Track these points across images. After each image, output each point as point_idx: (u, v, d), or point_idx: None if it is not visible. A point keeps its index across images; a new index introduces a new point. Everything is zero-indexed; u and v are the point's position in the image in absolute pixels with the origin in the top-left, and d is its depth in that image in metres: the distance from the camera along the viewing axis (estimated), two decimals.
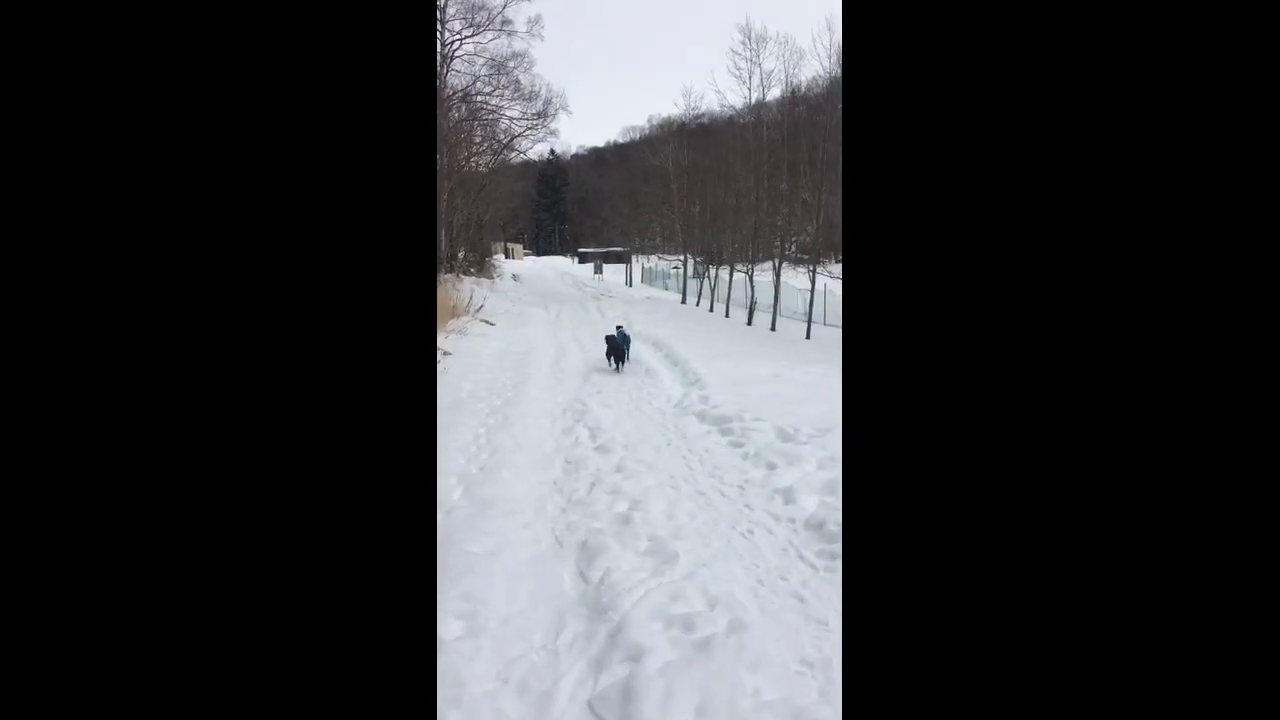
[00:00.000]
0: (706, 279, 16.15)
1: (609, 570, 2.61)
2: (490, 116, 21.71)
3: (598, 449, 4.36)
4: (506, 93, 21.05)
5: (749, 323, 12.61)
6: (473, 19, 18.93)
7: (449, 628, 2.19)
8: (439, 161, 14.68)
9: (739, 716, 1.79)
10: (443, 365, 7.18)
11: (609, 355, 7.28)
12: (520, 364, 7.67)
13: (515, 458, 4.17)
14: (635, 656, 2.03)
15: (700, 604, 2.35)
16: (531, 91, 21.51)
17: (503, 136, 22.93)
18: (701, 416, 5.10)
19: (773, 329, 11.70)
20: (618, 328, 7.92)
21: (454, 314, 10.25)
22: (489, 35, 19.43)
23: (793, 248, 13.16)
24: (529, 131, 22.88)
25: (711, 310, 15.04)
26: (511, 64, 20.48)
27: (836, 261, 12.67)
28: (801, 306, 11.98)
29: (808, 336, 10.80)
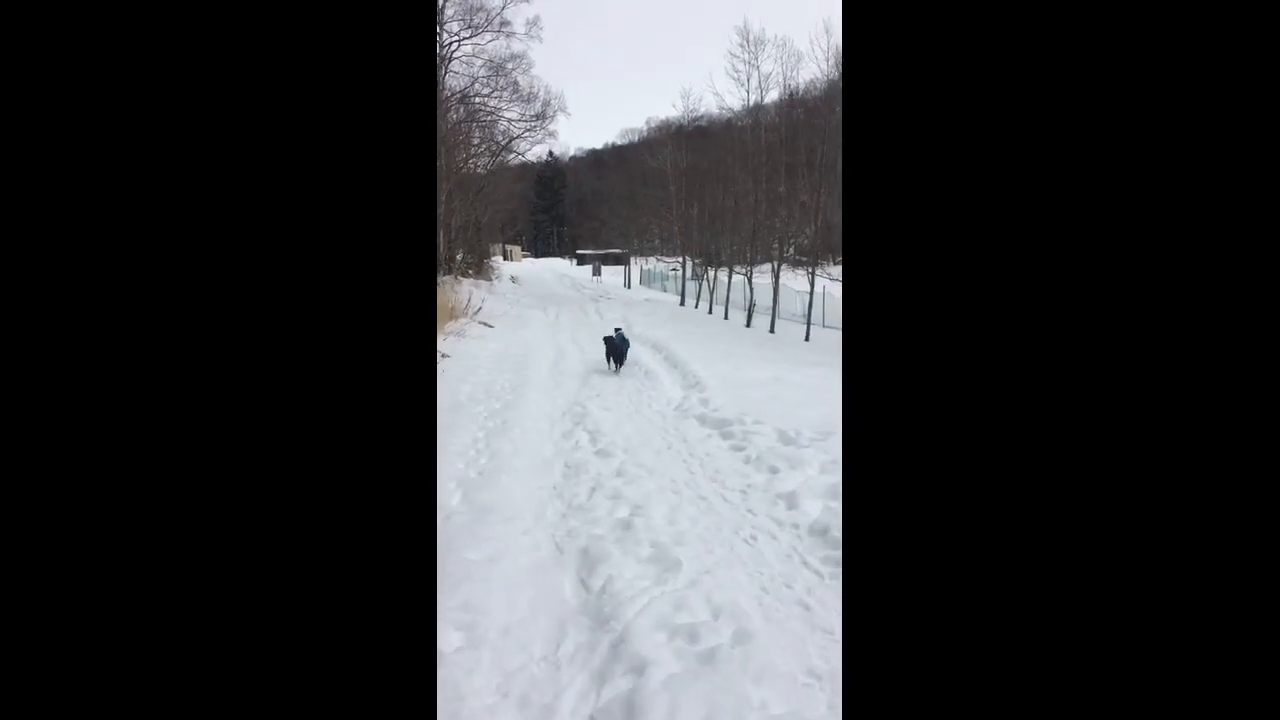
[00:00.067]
0: (705, 281, 16.13)
1: (610, 578, 2.56)
2: (488, 118, 21.71)
3: (598, 453, 4.31)
4: (505, 94, 21.06)
5: (748, 325, 12.59)
6: (471, 20, 18.93)
7: (448, 638, 2.14)
8: (437, 163, 14.64)
9: None
10: (441, 368, 7.12)
11: (608, 357, 7.37)
12: (519, 366, 7.62)
13: (514, 462, 4.12)
14: (638, 669, 1.98)
15: (704, 613, 2.31)
16: (530, 93, 21.52)
17: (501, 138, 22.94)
18: (702, 420, 5.06)
19: (772, 331, 11.68)
20: (616, 330, 7.96)
21: (452, 316, 10.20)
22: (487, 36, 19.45)
23: (791, 250, 13.14)
24: (527, 133, 22.89)
25: (710, 312, 15.02)
26: (510, 65, 20.49)
27: (835, 263, 12.66)
28: (800, 308, 11.96)
29: (807, 339, 10.77)
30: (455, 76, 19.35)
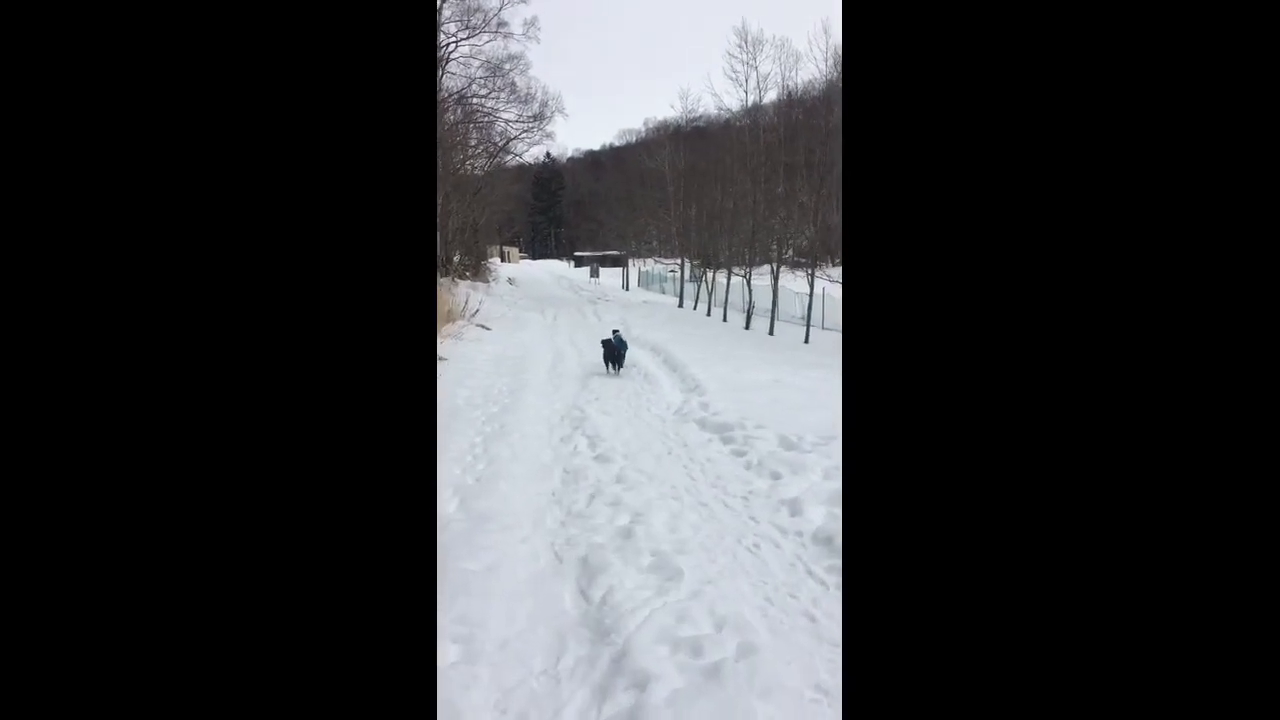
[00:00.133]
0: (704, 283, 16.09)
1: (611, 589, 2.51)
2: (486, 119, 21.64)
3: (597, 458, 4.26)
4: (502, 95, 21.00)
5: (747, 327, 12.55)
6: (468, 21, 18.87)
7: (445, 652, 2.08)
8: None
9: None
10: (438, 371, 7.06)
11: (605, 359, 7.46)
12: (517, 369, 7.57)
13: (512, 468, 4.06)
14: (641, 684, 1.93)
15: (708, 625, 2.25)
16: (527, 94, 21.46)
17: (498, 139, 22.87)
18: (702, 424, 5.01)
19: (771, 333, 11.64)
20: (614, 332, 8.03)
21: (449, 318, 10.15)
22: (485, 37, 19.38)
23: (789, 251, 13.11)
24: (525, 134, 22.84)
25: (709, 314, 14.98)
26: (507, 66, 20.43)
27: (834, 265, 12.63)
28: (799, 310, 11.93)
29: (806, 341, 10.74)
30: (452, 78, 19.31)
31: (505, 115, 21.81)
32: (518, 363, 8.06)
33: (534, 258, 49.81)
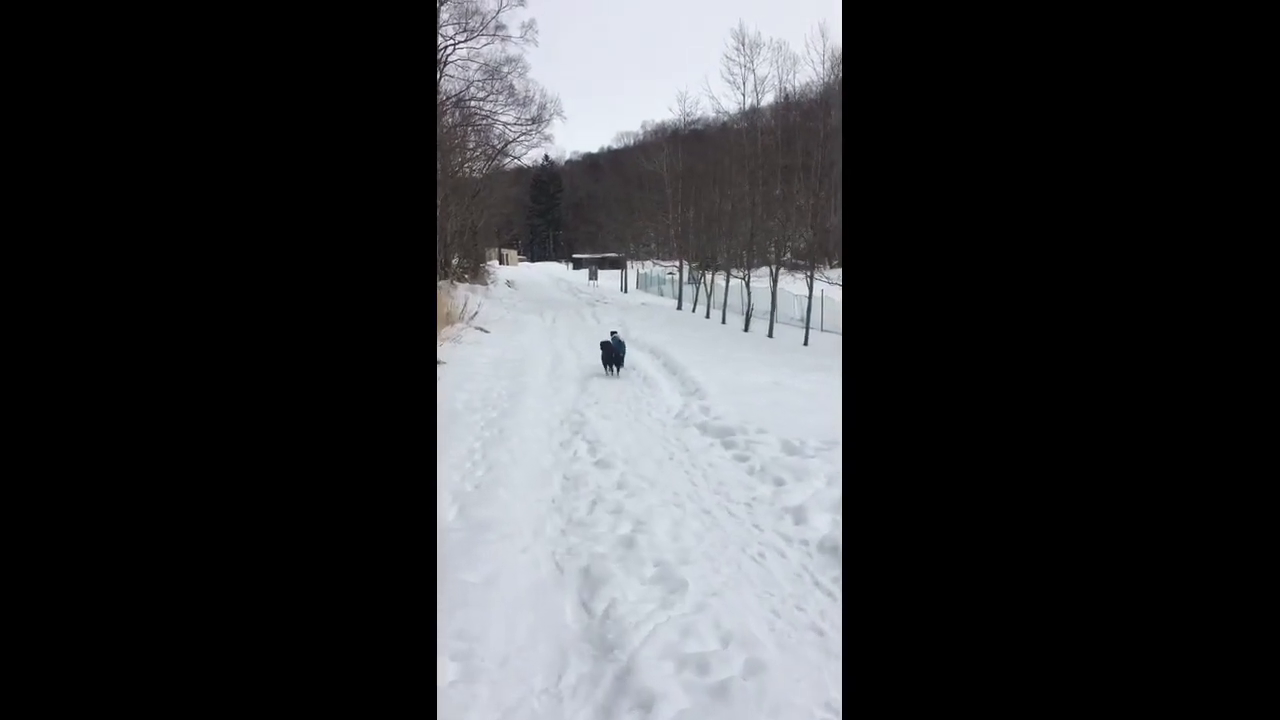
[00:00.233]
0: (702, 284, 16.04)
1: (614, 601, 2.45)
2: (484, 122, 21.58)
3: (597, 464, 4.20)
4: (500, 98, 20.92)
5: (746, 329, 12.51)
6: (466, 24, 18.82)
7: (443, 670, 2.02)
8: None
9: None
10: (438, 374, 7.00)
11: (604, 361, 7.50)
12: (516, 372, 7.51)
13: (512, 474, 4.00)
14: (646, 704, 1.87)
15: (713, 641, 2.19)
16: (525, 97, 21.40)
17: (496, 142, 22.82)
18: (703, 428, 4.96)
19: (770, 335, 11.59)
20: (612, 334, 8.08)
21: (448, 321, 10.08)
22: (483, 40, 19.33)
23: (787, 254, 13.07)
24: (523, 137, 22.77)
25: (708, 316, 14.93)
26: (505, 69, 20.36)
27: (832, 266, 12.59)
28: (798, 312, 11.88)
29: (805, 343, 10.69)
30: (450, 80, 19.24)
31: (503, 118, 21.77)
32: (517, 366, 8.01)
33: (532, 260, 49.75)
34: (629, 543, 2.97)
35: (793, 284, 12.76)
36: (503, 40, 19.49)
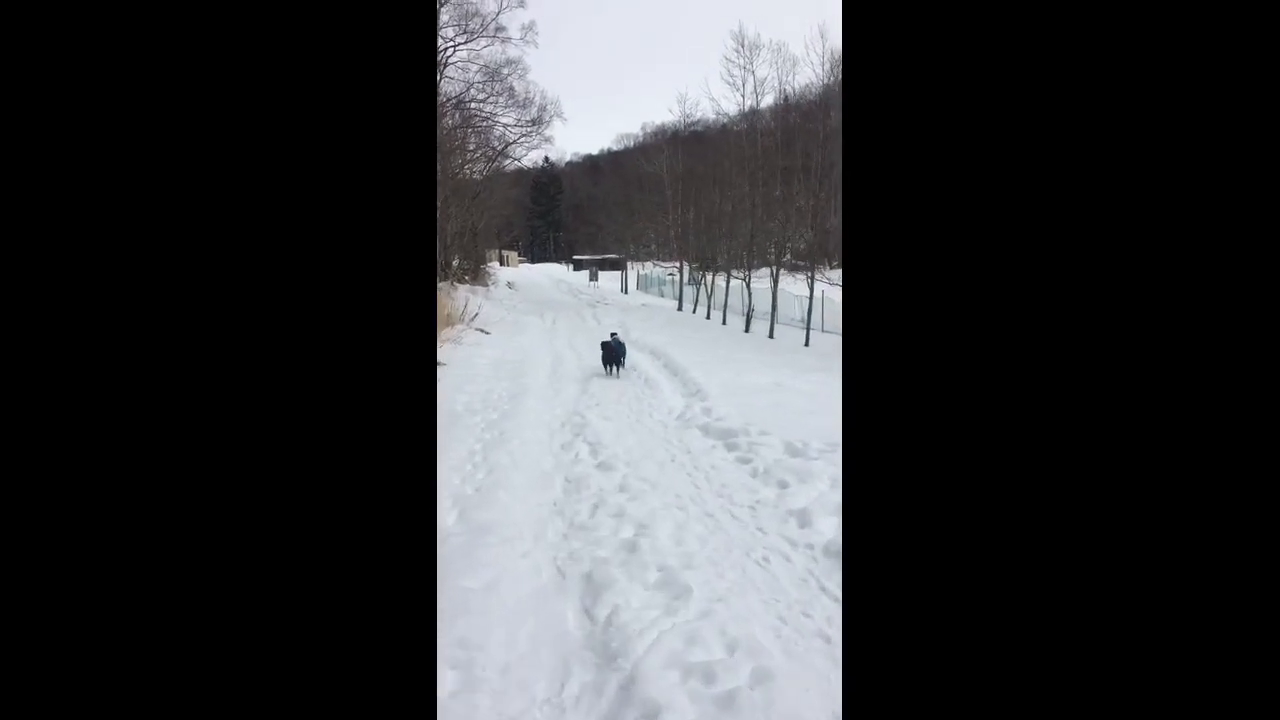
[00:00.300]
0: (703, 285, 15.99)
1: (617, 608, 2.40)
2: (484, 124, 21.56)
3: (599, 466, 4.16)
4: (500, 100, 20.90)
5: (746, 329, 12.47)
6: (466, 25, 18.81)
7: (443, 680, 1.97)
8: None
9: None
10: (438, 376, 6.96)
11: (604, 361, 7.51)
12: (516, 374, 7.47)
13: (513, 477, 3.96)
14: (651, 714, 1.82)
15: (719, 649, 2.15)
16: (525, 98, 21.38)
17: (497, 144, 22.80)
18: (705, 430, 4.91)
19: (770, 336, 11.55)
20: (612, 334, 8.11)
21: (449, 323, 10.04)
22: (482, 42, 19.31)
23: (787, 255, 13.04)
24: (523, 139, 22.76)
25: (708, 317, 14.89)
26: (505, 71, 20.35)
27: (832, 267, 12.55)
28: (798, 313, 11.84)
29: (806, 344, 10.65)
30: (450, 82, 19.21)
31: (503, 119, 21.75)
32: (517, 367, 7.97)
33: (533, 261, 49.74)
34: (632, 547, 2.93)
35: (793, 285, 12.72)
36: (503, 42, 19.48)
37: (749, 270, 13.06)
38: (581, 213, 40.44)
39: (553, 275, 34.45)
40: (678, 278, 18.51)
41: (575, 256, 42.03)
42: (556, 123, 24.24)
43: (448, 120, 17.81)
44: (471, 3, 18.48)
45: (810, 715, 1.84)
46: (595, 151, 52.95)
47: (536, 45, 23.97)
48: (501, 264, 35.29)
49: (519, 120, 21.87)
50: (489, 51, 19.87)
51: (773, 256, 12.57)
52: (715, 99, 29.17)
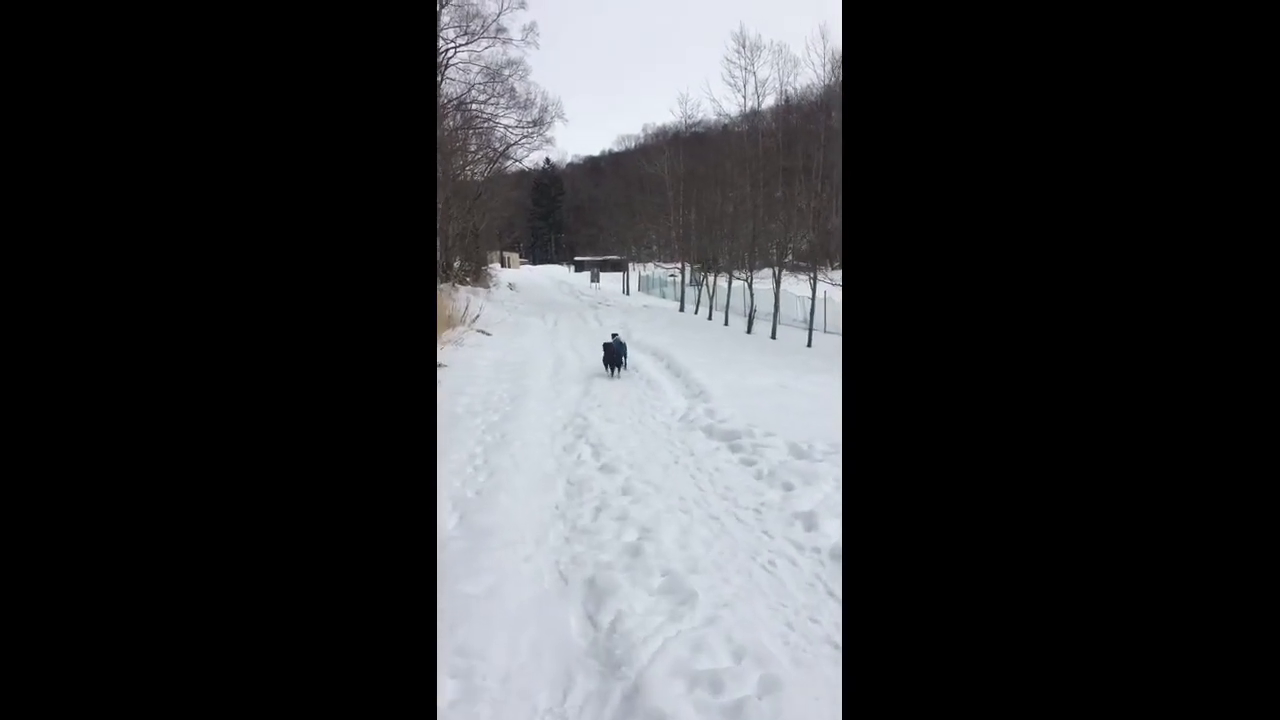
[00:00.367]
0: (704, 286, 15.96)
1: (620, 614, 2.35)
2: (485, 125, 21.57)
3: (601, 468, 4.11)
4: (502, 101, 20.92)
5: (748, 330, 12.42)
6: (467, 27, 18.81)
7: (443, 689, 1.92)
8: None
9: None
10: (438, 378, 6.92)
11: (605, 362, 7.49)
12: (518, 375, 7.43)
13: (514, 480, 3.91)
14: None
15: (726, 657, 2.09)
16: (526, 99, 21.39)
17: (498, 145, 22.80)
18: (709, 431, 4.86)
19: (773, 337, 11.50)
20: (614, 335, 8.12)
21: (449, 324, 10.01)
22: (484, 43, 19.32)
23: (789, 255, 13.00)
24: (524, 140, 22.76)
25: (710, 318, 14.85)
26: (506, 72, 20.36)
27: (834, 268, 12.51)
28: (801, 314, 11.79)
29: (809, 344, 10.59)
30: (451, 83, 19.22)
31: (505, 121, 21.76)
32: (518, 368, 7.92)
33: (534, 263, 49.73)
34: (635, 551, 2.87)
35: (796, 285, 12.67)
36: (504, 43, 19.50)
37: (751, 271, 13.01)
38: (583, 214, 40.46)
39: (554, 277, 34.43)
40: (679, 279, 18.47)
41: (576, 258, 42.03)
42: (558, 124, 24.20)
43: (449, 122, 17.81)
44: (472, 4, 18.50)
45: None
46: (596, 153, 53.04)
47: (538, 46, 24.01)
48: (503, 265, 35.31)
49: (520, 121, 21.89)
50: (490, 53, 19.88)
51: (774, 257, 12.53)
52: (716, 100, 29.32)
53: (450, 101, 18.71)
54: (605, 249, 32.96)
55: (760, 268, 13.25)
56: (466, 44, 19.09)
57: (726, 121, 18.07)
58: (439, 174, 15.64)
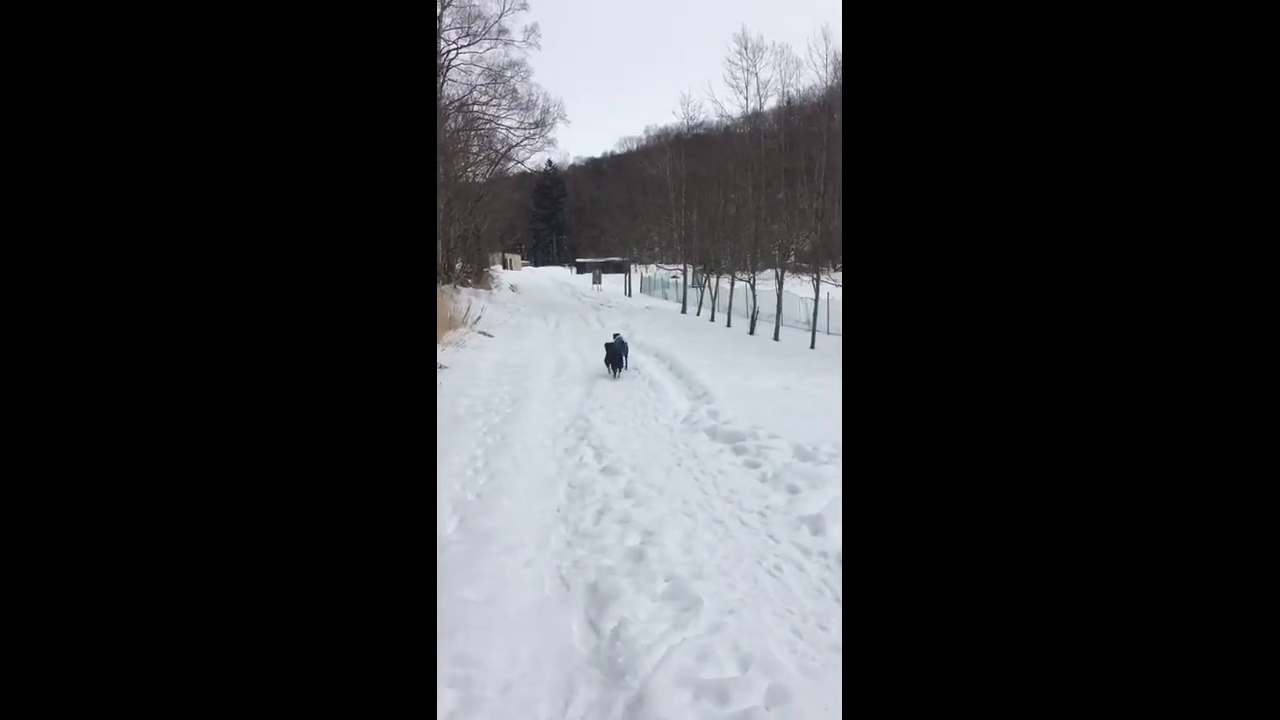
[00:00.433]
0: (706, 288, 15.91)
1: (623, 621, 2.30)
2: (487, 126, 21.58)
3: (604, 471, 4.05)
4: (503, 102, 20.92)
5: (751, 332, 12.37)
6: (469, 28, 18.82)
7: (441, 699, 1.87)
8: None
9: None
10: (439, 379, 6.87)
11: (607, 362, 7.50)
12: (519, 377, 7.38)
13: (515, 482, 3.86)
14: None
15: (732, 665, 2.04)
16: (528, 101, 21.39)
17: (500, 146, 22.81)
18: (712, 433, 4.81)
19: (776, 338, 11.45)
20: (615, 335, 8.15)
21: (451, 326, 9.98)
22: (485, 44, 19.32)
23: (791, 256, 12.95)
24: (526, 141, 22.76)
25: (712, 319, 14.81)
26: (508, 73, 20.36)
27: (836, 269, 12.46)
28: (804, 315, 11.75)
29: (812, 346, 10.54)
30: (453, 85, 19.22)
31: (506, 122, 21.75)
32: (520, 370, 7.88)
33: (536, 264, 49.77)
34: (638, 555, 2.82)
35: (798, 286, 12.62)
36: (505, 44, 19.49)
37: (753, 272, 12.96)
38: (585, 215, 40.49)
39: (556, 278, 34.43)
40: (682, 280, 18.41)
41: (578, 259, 42.03)
42: (560, 125, 24.15)
43: (451, 123, 17.81)
44: (474, 5, 18.51)
45: None
46: (598, 154, 53.13)
47: (539, 47, 24.00)
48: (505, 267, 35.30)
49: (522, 123, 21.88)
50: (492, 54, 19.88)
51: (777, 258, 12.48)
52: (718, 101, 29.27)
53: (452, 103, 18.71)
54: (607, 251, 32.97)
55: (763, 269, 13.20)
56: (468, 45, 19.11)
57: (729, 123, 18.02)
58: (441, 175, 15.64)
